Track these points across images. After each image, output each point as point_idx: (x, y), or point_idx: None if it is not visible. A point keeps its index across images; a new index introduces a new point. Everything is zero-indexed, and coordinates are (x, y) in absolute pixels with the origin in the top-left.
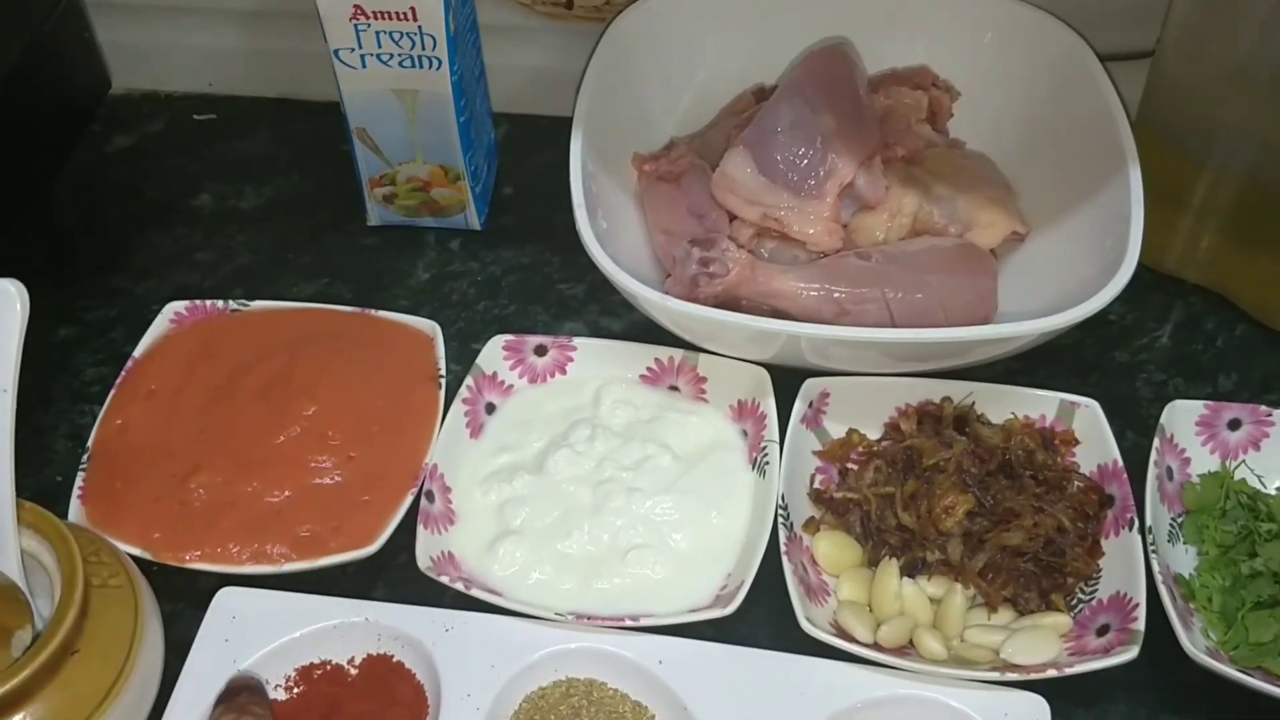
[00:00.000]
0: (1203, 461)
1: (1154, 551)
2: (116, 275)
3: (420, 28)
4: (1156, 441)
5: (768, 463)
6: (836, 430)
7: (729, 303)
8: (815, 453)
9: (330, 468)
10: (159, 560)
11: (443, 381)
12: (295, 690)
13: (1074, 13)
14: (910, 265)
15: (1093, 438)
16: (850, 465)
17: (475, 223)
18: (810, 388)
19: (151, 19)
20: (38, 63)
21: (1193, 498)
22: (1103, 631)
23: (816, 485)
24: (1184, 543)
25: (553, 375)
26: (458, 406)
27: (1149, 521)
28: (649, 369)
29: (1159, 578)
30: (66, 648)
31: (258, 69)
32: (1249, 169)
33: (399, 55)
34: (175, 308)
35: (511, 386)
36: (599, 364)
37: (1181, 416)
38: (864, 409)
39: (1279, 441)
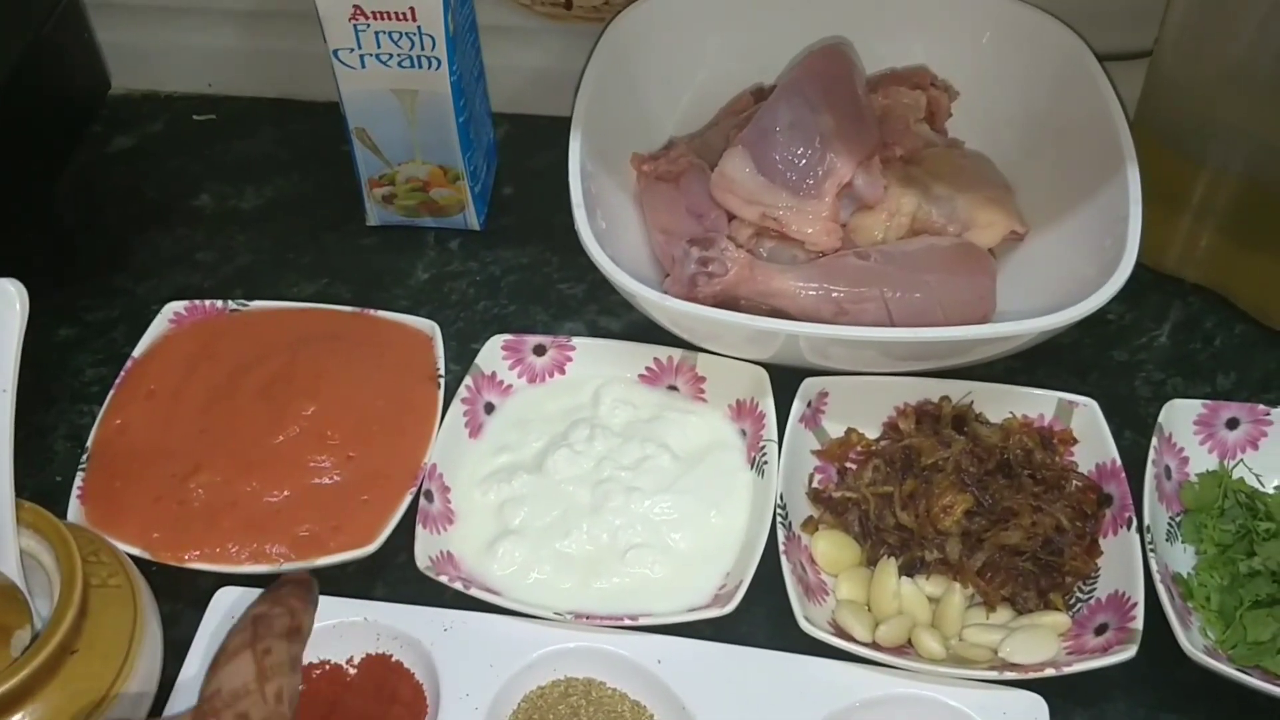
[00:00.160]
0: (1201, 461)
1: (1152, 551)
2: (117, 275)
3: (419, 28)
4: (1155, 441)
5: (766, 462)
6: (835, 430)
7: (728, 302)
8: (814, 452)
9: (330, 467)
10: (158, 560)
11: (442, 381)
12: None
13: (1073, 13)
14: (909, 265)
15: (1091, 437)
16: (849, 465)
17: (475, 223)
18: (809, 387)
19: (151, 19)
20: (38, 63)
21: (1191, 497)
22: (1101, 630)
23: (815, 484)
24: (1182, 542)
25: (552, 375)
26: (457, 406)
27: (1147, 521)
28: (648, 369)
29: (1157, 577)
30: (66, 647)
31: (257, 69)
32: (1247, 169)
33: (398, 55)
34: (175, 308)
35: (510, 386)
36: (598, 364)
37: (1180, 416)
38: (862, 408)
39: (1277, 441)
